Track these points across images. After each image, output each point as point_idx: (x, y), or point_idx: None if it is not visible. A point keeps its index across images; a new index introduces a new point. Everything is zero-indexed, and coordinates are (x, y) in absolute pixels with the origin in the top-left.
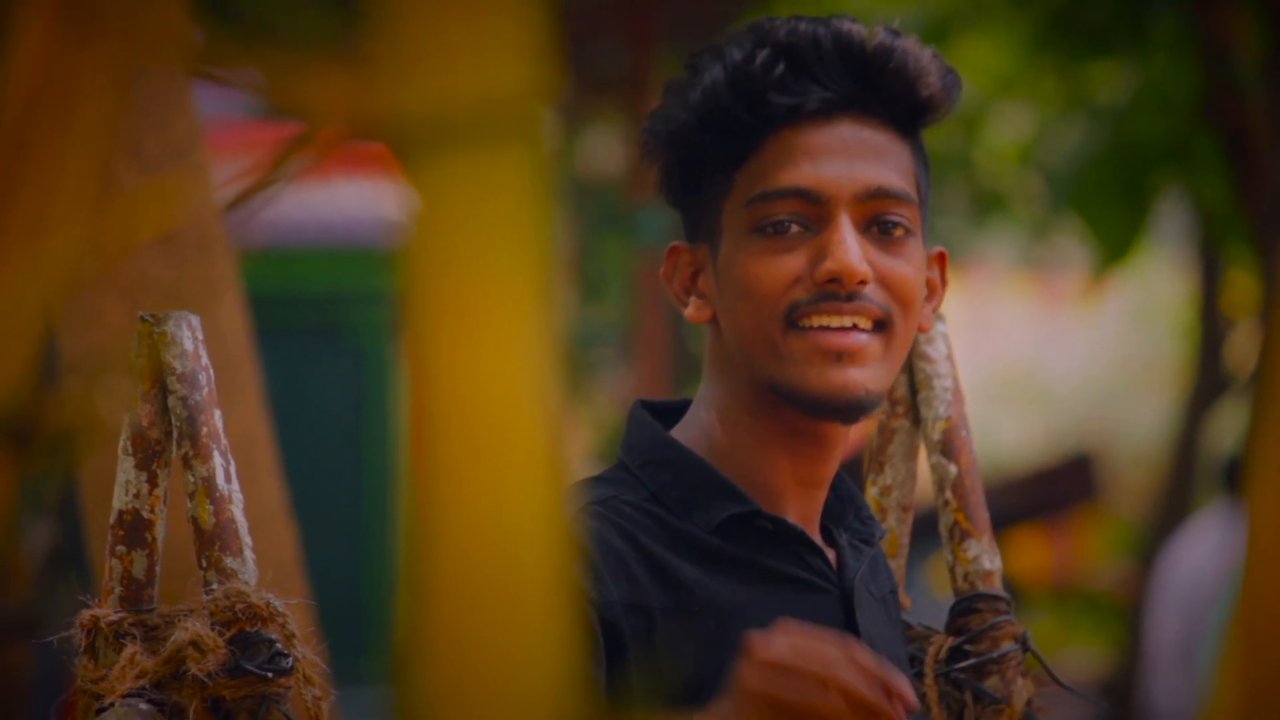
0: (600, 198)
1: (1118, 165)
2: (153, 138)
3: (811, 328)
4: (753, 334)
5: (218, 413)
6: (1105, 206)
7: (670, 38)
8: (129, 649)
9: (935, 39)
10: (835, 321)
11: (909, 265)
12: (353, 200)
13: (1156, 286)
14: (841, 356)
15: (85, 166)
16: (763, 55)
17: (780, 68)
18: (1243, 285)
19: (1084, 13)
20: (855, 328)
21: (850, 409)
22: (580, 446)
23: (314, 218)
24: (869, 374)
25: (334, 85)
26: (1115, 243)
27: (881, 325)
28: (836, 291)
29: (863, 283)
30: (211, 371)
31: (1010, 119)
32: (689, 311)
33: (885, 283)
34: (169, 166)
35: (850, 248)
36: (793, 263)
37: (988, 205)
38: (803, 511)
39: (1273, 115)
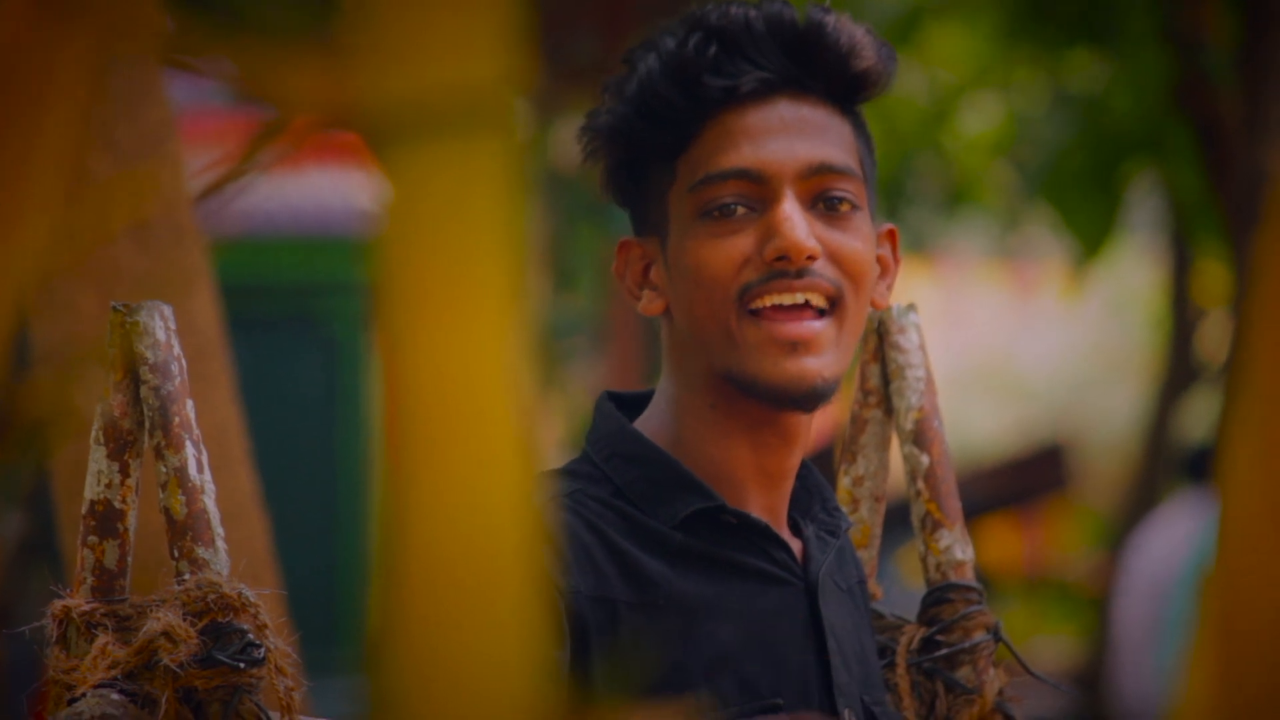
0: (573, 188)
1: (1090, 155)
2: (126, 127)
3: (765, 309)
4: (707, 320)
5: (190, 403)
6: (1078, 196)
7: (645, 27)
8: (101, 639)
9: (908, 28)
10: (787, 299)
11: (857, 240)
12: (326, 190)
13: (1128, 276)
14: (796, 346)
15: (59, 156)
16: (695, 39)
17: (713, 50)
18: (1214, 275)
19: (1056, 2)
20: (808, 305)
21: (808, 398)
22: (553, 435)
23: (287, 207)
24: (824, 361)
25: (307, 74)
26: (1088, 232)
27: (834, 304)
28: (786, 269)
29: (811, 258)
30: (184, 361)
31: (982, 108)
32: (642, 305)
33: (835, 258)
34: (142, 156)
35: (797, 224)
36: (741, 244)
37: (960, 195)
38: (767, 503)
39: (1244, 105)
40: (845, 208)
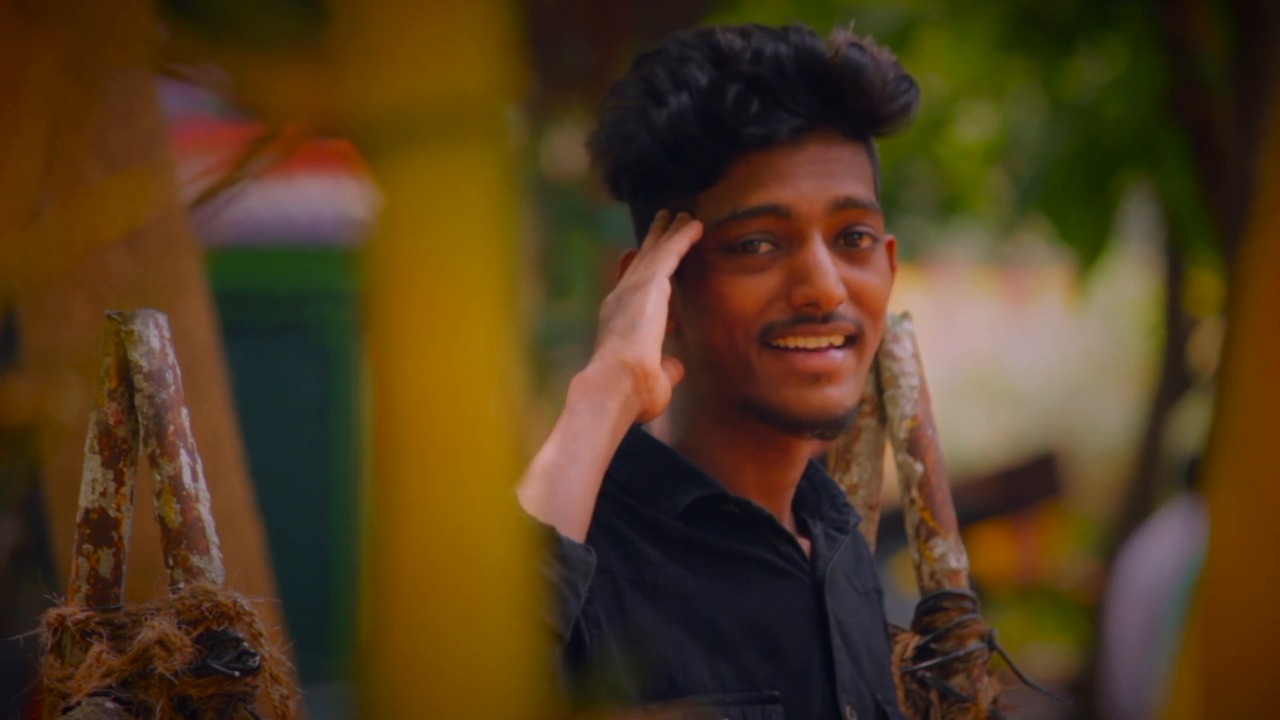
0: (565, 195)
1: (1084, 164)
2: (118, 135)
3: (787, 349)
4: (725, 352)
5: (185, 411)
6: (1072, 205)
7: (636, 36)
8: (95, 648)
9: (901, 38)
10: (812, 343)
11: (877, 275)
12: (318, 198)
13: (1122, 285)
14: (819, 377)
15: (30, 160)
16: (733, 91)
17: (755, 106)
18: (1207, 283)
19: (1050, 11)
20: (830, 347)
21: (829, 426)
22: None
23: (279, 215)
24: (844, 390)
25: (298, 83)
26: (1082, 241)
27: (853, 339)
28: (813, 314)
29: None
30: (178, 370)
31: (976, 117)
32: None
33: (857, 298)
34: (134, 164)
35: (828, 271)
36: (766, 283)
37: (953, 204)
38: (769, 508)
39: (1238, 113)
40: (866, 243)
